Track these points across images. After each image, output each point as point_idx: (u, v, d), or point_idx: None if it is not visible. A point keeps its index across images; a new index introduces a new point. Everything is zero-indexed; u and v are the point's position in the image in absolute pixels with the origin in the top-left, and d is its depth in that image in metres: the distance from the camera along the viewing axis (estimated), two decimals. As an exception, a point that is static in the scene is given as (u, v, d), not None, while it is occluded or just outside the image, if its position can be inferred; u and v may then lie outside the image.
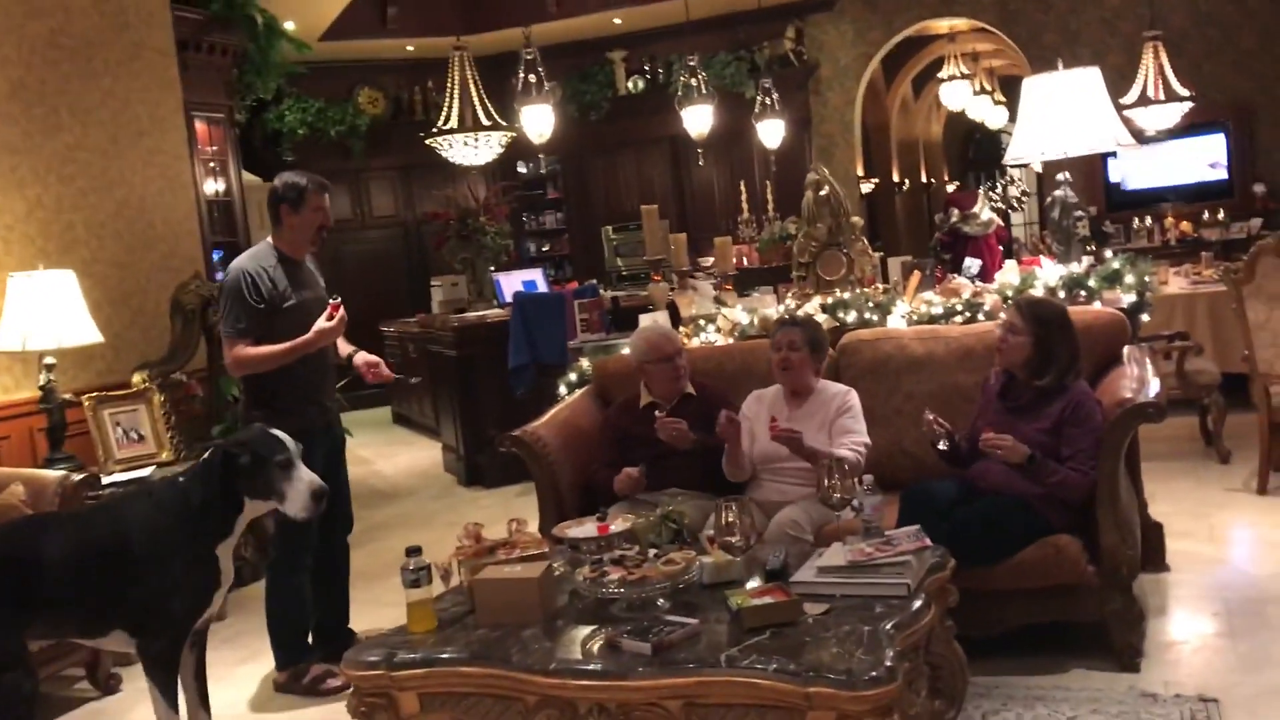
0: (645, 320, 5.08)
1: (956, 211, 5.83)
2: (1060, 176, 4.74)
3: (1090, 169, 10.31)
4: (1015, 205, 17.75)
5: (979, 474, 3.73)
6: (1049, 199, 4.86)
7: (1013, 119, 15.98)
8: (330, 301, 4.05)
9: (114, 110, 5.84)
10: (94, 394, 5.24)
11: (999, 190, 18.74)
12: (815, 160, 12.10)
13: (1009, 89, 15.13)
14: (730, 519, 2.91)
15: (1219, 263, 7.76)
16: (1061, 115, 4.49)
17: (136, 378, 5.47)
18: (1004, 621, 3.62)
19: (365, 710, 2.87)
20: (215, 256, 7.08)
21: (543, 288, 8.19)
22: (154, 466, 5.10)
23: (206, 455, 3.39)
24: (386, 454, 9.40)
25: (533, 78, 7.46)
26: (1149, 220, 10.43)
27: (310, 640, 4.32)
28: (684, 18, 10.56)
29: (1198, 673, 3.52)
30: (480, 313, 7.71)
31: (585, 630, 2.82)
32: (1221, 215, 10.01)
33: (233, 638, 4.94)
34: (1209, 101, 9.41)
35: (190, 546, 3.26)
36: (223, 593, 3.41)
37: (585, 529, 3.29)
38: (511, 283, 8.02)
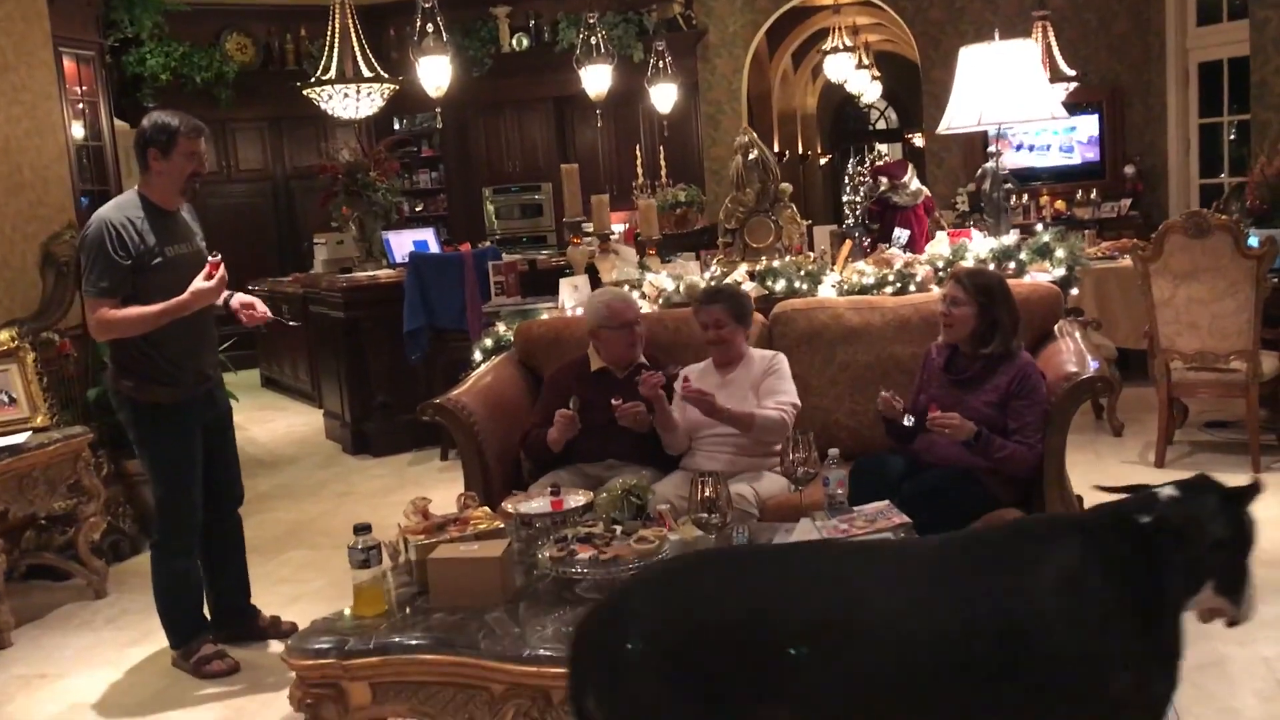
0: (566, 284, 4.89)
1: (886, 180, 5.79)
2: (991, 149, 4.73)
3: (970, 146, 10.48)
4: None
5: (925, 446, 3.68)
6: (979, 170, 4.86)
7: (884, 93, 16.38)
8: (210, 259, 3.71)
9: (-27, 41, 5.30)
10: (-45, 353, 4.77)
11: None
12: (704, 126, 12.03)
13: (881, 64, 15.35)
14: (708, 493, 2.77)
15: (1100, 241, 7.99)
16: (998, 85, 4.48)
17: (4, 335, 4.98)
18: (949, 596, 3.58)
19: (311, 702, 2.62)
20: (83, 205, 6.53)
21: (435, 248, 7.85)
22: (29, 432, 4.67)
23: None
24: (260, 419, 8.93)
25: (430, 27, 7.10)
26: (1025, 198, 10.67)
27: (208, 617, 4.05)
28: (573, -25, 10.29)
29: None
30: (370, 273, 7.35)
31: (553, 613, 2.65)
32: (1094, 195, 10.33)
33: (117, 617, 4.60)
34: (1085, 83, 9.64)
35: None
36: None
37: (537, 504, 3.10)
38: (402, 242, 7.66)
